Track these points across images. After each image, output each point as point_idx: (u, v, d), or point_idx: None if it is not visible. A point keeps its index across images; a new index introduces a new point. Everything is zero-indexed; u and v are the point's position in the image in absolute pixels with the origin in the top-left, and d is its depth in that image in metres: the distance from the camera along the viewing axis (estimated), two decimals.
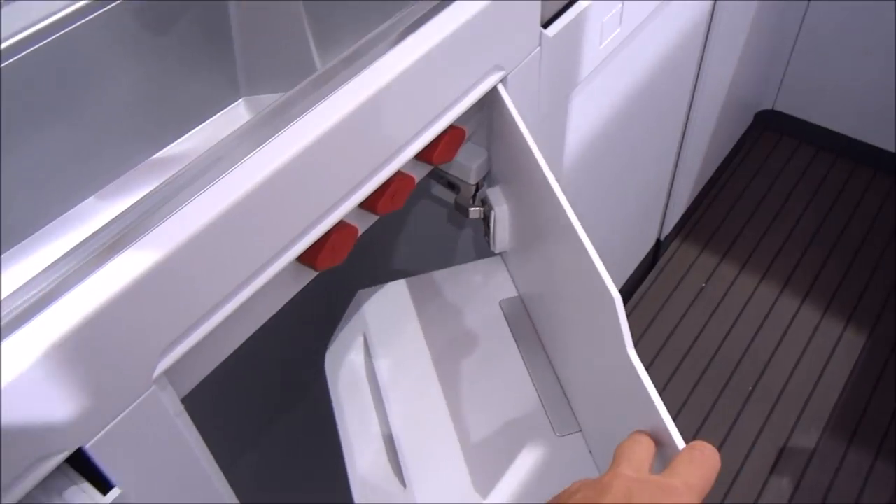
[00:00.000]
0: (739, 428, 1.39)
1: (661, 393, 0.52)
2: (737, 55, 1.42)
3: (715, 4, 1.17)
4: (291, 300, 0.66)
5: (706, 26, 1.20)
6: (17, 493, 0.45)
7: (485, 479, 0.69)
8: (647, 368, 0.53)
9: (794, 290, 1.58)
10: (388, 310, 0.83)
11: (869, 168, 1.78)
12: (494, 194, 0.80)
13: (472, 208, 0.83)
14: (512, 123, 0.72)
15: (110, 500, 0.49)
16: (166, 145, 0.83)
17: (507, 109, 0.72)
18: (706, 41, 1.23)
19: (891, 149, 1.73)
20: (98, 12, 0.71)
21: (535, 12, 0.73)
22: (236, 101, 0.88)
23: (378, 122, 0.60)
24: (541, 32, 0.75)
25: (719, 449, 1.44)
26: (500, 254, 0.87)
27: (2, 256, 0.72)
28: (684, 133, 1.39)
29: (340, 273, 1.03)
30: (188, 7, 0.78)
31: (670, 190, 1.50)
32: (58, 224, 0.75)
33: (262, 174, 0.52)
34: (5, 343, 0.43)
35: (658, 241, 1.61)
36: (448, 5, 0.64)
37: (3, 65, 0.66)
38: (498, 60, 0.71)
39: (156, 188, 0.51)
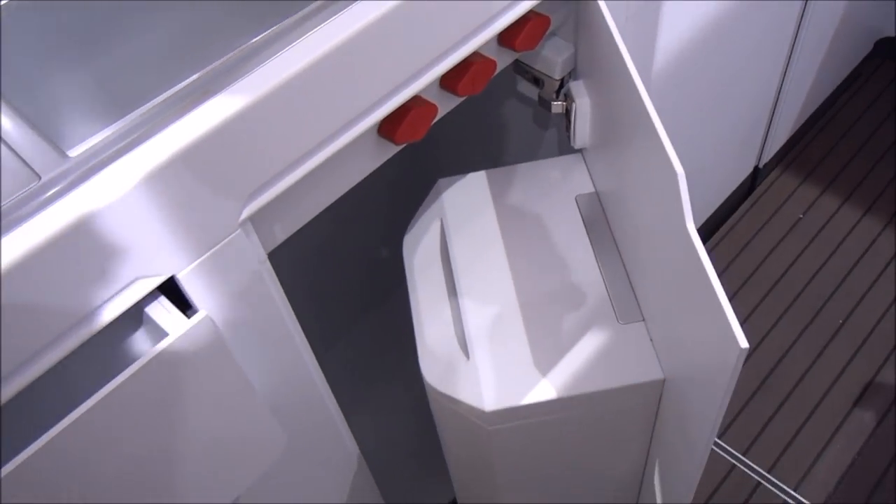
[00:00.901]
0: (825, 360, 1.36)
1: (744, 321, 0.53)
2: None
3: None
4: (377, 189, 0.69)
5: None
6: (117, 307, 0.51)
7: (546, 358, 0.72)
8: (731, 298, 0.54)
9: None
10: (466, 198, 0.86)
11: None
12: (577, 87, 0.81)
13: (555, 102, 0.84)
14: (599, 14, 0.72)
15: (192, 323, 0.54)
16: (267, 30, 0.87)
17: (597, 4, 0.72)
18: None
19: None
20: None
21: None
22: None
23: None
24: None
25: (799, 380, 1.41)
26: (580, 150, 0.88)
27: (110, 127, 0.79)
28: (791, 51, 1.33)
29: (424, 163, 1.06)
30: None
31: (772, 115, 1.45)
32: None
33: (345, 34, 0.55)
34: (110, 167, 0.48)
35: (756, 168, 1.56)
36: None
37: None
38: None
39: (246, 44, 0.54)
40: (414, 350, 0.77)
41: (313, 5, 0.86)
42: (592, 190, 0.85)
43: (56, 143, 0.51)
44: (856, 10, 1.46)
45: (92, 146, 0.50)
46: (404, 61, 0.61)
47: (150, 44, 0.78)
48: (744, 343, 0.49)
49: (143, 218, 0.49)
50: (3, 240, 0.45)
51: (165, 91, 0.81)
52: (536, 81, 0.86)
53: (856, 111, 1.71)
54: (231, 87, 0.52)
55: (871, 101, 1.73)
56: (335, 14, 0.56)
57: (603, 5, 0.71)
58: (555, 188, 0.85)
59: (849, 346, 1.37)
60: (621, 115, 0.72)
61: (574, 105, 0.80)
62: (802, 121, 1.63)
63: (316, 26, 0.55)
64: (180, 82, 0.81)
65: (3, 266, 0.44)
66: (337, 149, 0.60)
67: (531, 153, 1.01)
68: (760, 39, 1.20)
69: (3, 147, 0.51)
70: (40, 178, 0.49)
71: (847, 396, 1.31)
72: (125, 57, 0.77)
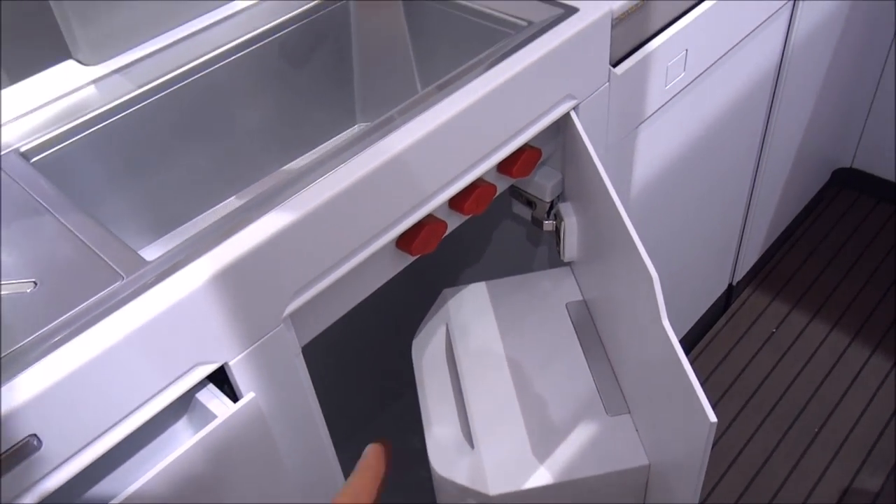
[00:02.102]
0: (803, 467, 1.43)
1: (726, 429, 0.61)
2: (808, 109, 1.51)
3: (783, 57, 1.28)
4: (390, 299, 0.79)
5: (774, 77, 1.30)
6: (175, 391, 0.60)
7: (543, 448, 0.80)
8: (714, 405, 0.63)
9: (866, 340, 1.62)
10: (469, 306, 0.96)
11: None
12: (566, 209, 0.93)
13: (546, 222, 0.96)
14: (582, 147, 0.85)
15: (240, 405, 0.62)
16: (293, 160, 0.99)
17: (578, 133, 0.85)
18: (774, 91, 1.33)
19: None
20: (251, 48, 0.89)
21: (604, 52, 0.86)
22: (352, 126, 1.04)
23: (465, 135, 0.74)
24: (610, 70, 0.88)
25: (781, 486, 1.48)
26: (569, 264, 0.99)
27: (160, 240, 0.90)
28: (755, 181, 1.48)
29: (431, 276, 1.16)
30: (319, 45, 0.95)
31: (742, 236, 1.58)
32: (206, 216, 0.92)
33: (372, 166, 0.66)
34: (180, 273, 0.58)
35: (730, 286, 1.68)
36: (530, 42, 0.78)
37: (171, 89, 0.84)
38: (571, 90, 0.84)
39: (289, 174, 0.66)
40: (422, 442, 0.85)
41: (343, 138, 0.99)
42: (581, 298, 0.95)
43: (136, 252, 0.61)
44: (812, 141, 1.63)
45: (167, 251, 0.60)
46: (421, 186, 0.72)
47: (193, 168, 0.90)
48: (713, 418, 0.58)
49: (207, 313, 0.59)
50: (97, 328, 0.54)
51: (209, 209, 0.92)
52: (529, 203, 0.98)
53: (820, 233, 1.86)
54: (280, 207, 0.63)
55: (832, 224, 1.88)
56: (365, 147, 0.68)
57: (585, 139, 0.84)
58: (547, 297, 0.95)
59: (826, 453, 1.45)
60: (604, 232, 0.83)
61: (563, 224, 0.92)
62: (771, 241, 1.76)
63: (350, 157, 0.67)
64: (221, 202, 0.93)
65: (94, 354, 0.53)
66: (363, 258, 0.70)
67: (525, 265, 1.12)
68: (727, 167, 1.34)
69: (92, 251, 0.61)
70: (124, 277, 0.58)
71: (826, 502, 1.38)
72: (172, 179, 0.88)
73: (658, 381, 0.71)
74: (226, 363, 0.63)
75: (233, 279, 0.59)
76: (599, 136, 0.93)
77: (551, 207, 0.97)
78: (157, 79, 0.82)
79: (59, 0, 0.80)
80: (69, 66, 0.84)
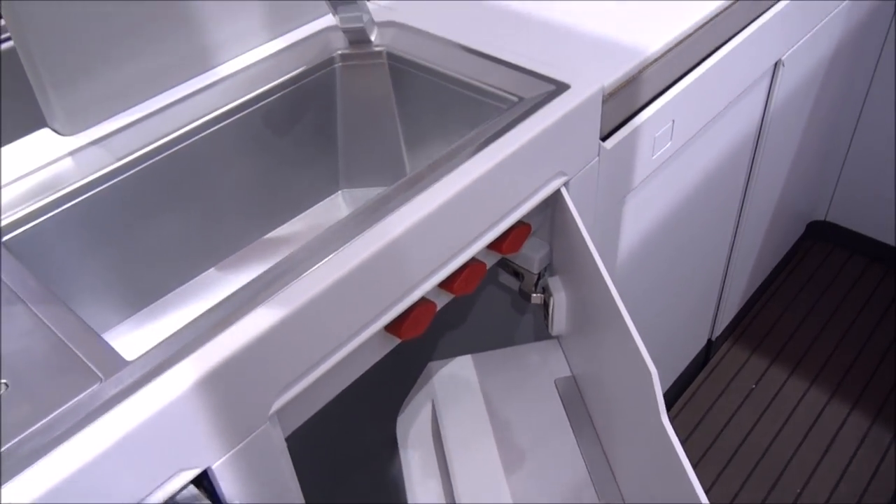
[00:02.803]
0: None
1: (708, 491, 0.60)
2: (787, 166, 1.52)
3: (763, 119, 1.28)
4: (372, 373, 0.77)
5: (755, 139, 1.31)
6: (157, 497, 0.57)
7: None
8: (695, 466, 0.62)
9: (844, 397, 1.62)
10: (455, 381, 0.93)
11: None
12: (554, 283, 0.91)
13: (534, 294, 0.94)
14: (572, 222, 0.83)
15: None
16: (275, 228, 0.97)
17: (569, 209, 0.84)
18: (755, 152, 1.34)
19: None
20: (234, 117, 0.86)
21: (595, 127, 0.85)
22: (335, 192, 1.02)
23: (458, 217, 0.72)
24: (599, 145, 0.87)
25: None
26: (556, 337, 0.97)
27: (137, 314, 0.86)
28: (734, 238, 1.48)
29: (415, 347, 1.14)
30: (304, 112, 0.93)
31: (721, 292, 1.58)
32: (186, 288, 0.89)
33: (365, 254, 0.64)
34: (162, 377, 0.55)
35: (709, 341, 1.68)
36: (523, 120, 0.77)
37: (151, 161, 0.81)
38: (562, 167, 0.83)
39: (278, 263, 0.63)
40: None
41: (326, 205, 0.97)
42: (569, 374, 0.93)
43: (115, 350, 0.58)
44: (789, 195, 1.64)
45: (148, 352, 0.57)
46: (414, 271, 0.70)
47: (172, 240, 0.87)
48: None
49: (191, 417, 0.56)
50: (74, 440, 0.51)
51: (189, 280, 0.89)
52: (517, 274, 0.96)
53: (795, 288, 1.87)
54: (269, 301, 0.60)
55: (807, 278, 1.89)
56: (357, 234, 0.66)
57: (576, 215, 0.83)
58: (535, 372, 0.93)
59: None
60: (594, 310, 0.81)
61: (552, 299, 0.90)
62: (749, 295, 1.77)
63: (341, 245, 0.65)
64: (201, 273, 0.89)
65: (71, 470, 0.49)
66: (353, 348, 0.68)
67: (510, 333, 1.10)
68: (709, 225, 1.34)
69: (68, 347, 0.58)
70: (102, 379, 0.55)
71: None
72: (150, 252, 0.85)
73: (656, 477, 0.69)
74: (209, 467, 0.59)
75: (219, 381, 0.56)
76: (588, 208, 0.92)
77: (539, 278, 0.95)
78: (136, 151, 0.80)
79: (33, 67, 0.77)
80: (45, 135, 0.81)
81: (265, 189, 0.94)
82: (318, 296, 0.61)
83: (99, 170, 0.77)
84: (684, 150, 1.07)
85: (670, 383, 1.60)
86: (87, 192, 0.77)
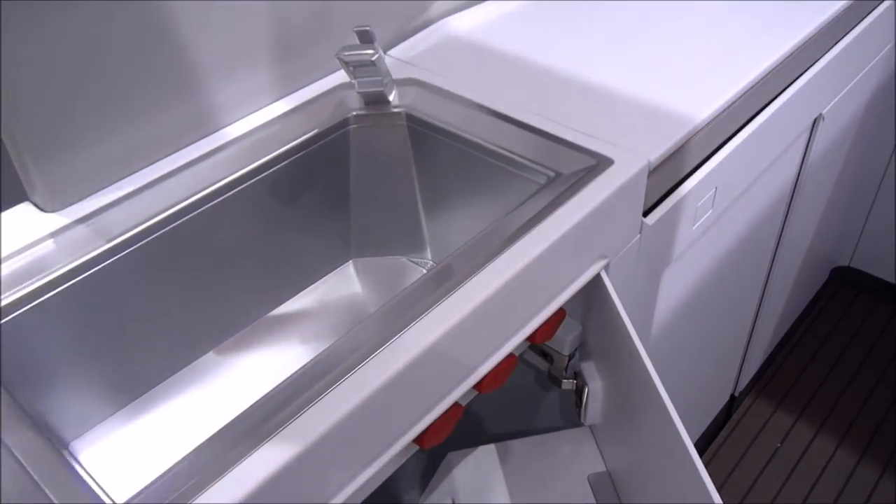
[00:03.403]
0: None
1: None
2: (819, 215, 1.45)
3: (800, 172, 1.21)
4: None
5: (791, 192, 1.23)
6: None
7: None
8: None
9: (874, 457, 1.54)
10: (477, 475, 0.85)
11: None
12: (589, 370, 0.83)
13: (565, 380, 0.86)
14: (611, 306, 0.75)
15: None
16: (281, 304, 0.88)
17: (608, 293, 0.76)
18: (790, 205, 1.26)
19: None
20: (239, 188, 0.78)
21: (639, 205, 0.77)
22: (346, 262, 0.94)
23: (494, 316, 0.64)
24: (641, 222, 0.79)
25: None
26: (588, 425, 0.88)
27: (132, 404, 0.77)
28: (764, 290, 1.40)
29: None
30: (314, 178, 0.85)
31: (747, 346, 1.50)
32: (182, 374, 0.80)
33: (390, 372, 0.56)
34: None
35: (732, 396, 1.59)
36: (565, 202, 0.68)
37: (144, 241, 0.72)
38: (602, 250, 0.75)
39: (289, 382, 0.55)
40: None
41: (336, 276, 0.88)
42: (604, 468, 0.85)
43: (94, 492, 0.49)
44: (818, 243, 1.56)
45: (137, 494, 0.48)
46: (446, 380, 0.62)
47: (167, 324, 0.78)
48: None
49: None
50: None
51: (186, 366, 0.80)
52: (545, 355, 0.88)
53: (819, 337, 1.79)
54: (287, 431, 0.52)
55: (831, 327, 1.81)
56: (386, 342, 0.57)
57: (616, 301, 0.75)
58: (566, 465, 0.85)
59: None
60: (633, 399, 0.73)
61: (587, 388, 0.82)
62: (772, 348, 1.68)
63: (369, 356, 0.56)
64: (199, 357, 0.81)
65: None
66: (380, 465, 0.59)
67: (534, 415, 1.01)
68: (741, 283, 1.26)
69: (41, 490, 0.49)
70: None
71: None
72: (144, 338, 0.77)
73: None
74: None
75: None
76: (625, 286, 0.84)
77: (570, 359, 0.87)
78: (128, 231, 0.71)
79: (10, 133, 0.68)
80: (25, 210, 0.73)
81: (270, 262, 0.85)
82: (342, 421, 0.53)
83: (86, 252, 0.69)
84: (724, 214, 0.99)
85: (694, 441, 1.51)
86: (72, 279, 0.68)
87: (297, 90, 0.87)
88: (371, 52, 0.73)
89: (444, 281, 0.62)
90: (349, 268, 0.93)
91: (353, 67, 0.77)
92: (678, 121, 0.79)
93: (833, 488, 1.49)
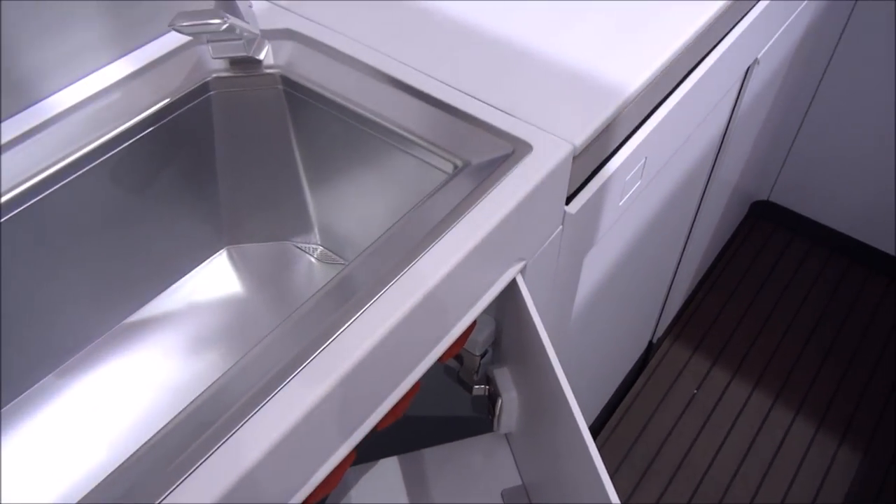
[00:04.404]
0: None
1: None
2: (745, 156, 1.37)
3: (730, 119, 1.11)
4: None
5: (721, 139, 1.14)
6: None
7: None
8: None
9: (788, 400, 1.53)
10: (377, 493, 0.75)
11: (863, 266, 1.74)
12: (502, 377, 0.73)
13: (476, 386, 0.76)
14: (526, 313, 0.64)
15: None
16: (139, 308, 0.74)
17: (523, 300, 0.65)
18: (719, 151, 1.17)
19: (888, 250, 1.70)
20: (72, 176, 0.62)
21: (561, 196, 0.65)
22: (219, 250, 0.79)
23: (401, 343, 0.52)
24: (564, 212, 0.68)
25: None
26: None
27: None
28: (688, 237, 1.33)
29: None
30: (169, 157, 0.70)
31: (668, 293, 1.44)
32: (17, 405, 0.66)
33: (304, 406, 0.44)
34: None
35: (650, 343, 1.54)
36: (476, 203, 0.56)
37: None
38: (521, 253, 0.63)
39: (195, 409, 0.42)
40: None
41: (207, 267, 0.75)
42: (518, 480, 0.76)
43: None
44: (742, 181, 1.50)
45: None
46: (354, 415, 0.50)
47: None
48: None
49: None
50: None
51: (16, 397, 0.66)
52: (455, 356, 0.77)
53: (736, 276, 1.75)
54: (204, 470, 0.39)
55: (749, 263, 1.77)
56: (293, 372, 0.45)
57: (531, 307, 0.64)
58: (477, 478, 0.76)
59: None
60: (545, 411, 0.64)
61: (501, 399, 0.72)
62: (691, 290, 1.63)
63: (273, 392, 0.44)
64: (32, 385, 0.67)
65: None
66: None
67: (442, 408, 0.91)
68: (666, 234, 1.17)
69: None
70: None
71: None
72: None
73: None
74: None
75: None
76: (544, 282, 0.73)
77: (481, 358, 0.77)
78: None
79: None
80: None
81: (121, 259, 0.70)
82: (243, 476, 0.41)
83: None
84: (652, 180, 0.88)
85: (609, 395, 1.46)
86: None
87: (138, 47, 0.70)
88: (218, 21, 0.56)
89: (343, 299, 0.50)
90: (223, 257, 0.79)
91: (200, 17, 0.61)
92: (606, 92, 0.67)
93: (748, 433, 1.48)
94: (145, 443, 0.42)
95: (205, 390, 0.45)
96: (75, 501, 0.40)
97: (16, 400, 0.67)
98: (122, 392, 0.69)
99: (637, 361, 1.53)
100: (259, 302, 0.76)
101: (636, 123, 0.74)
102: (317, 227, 0.80)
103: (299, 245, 0.80)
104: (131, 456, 0.42)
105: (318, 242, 0.81)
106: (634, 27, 0.74)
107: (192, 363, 0.72)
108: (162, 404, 0.70)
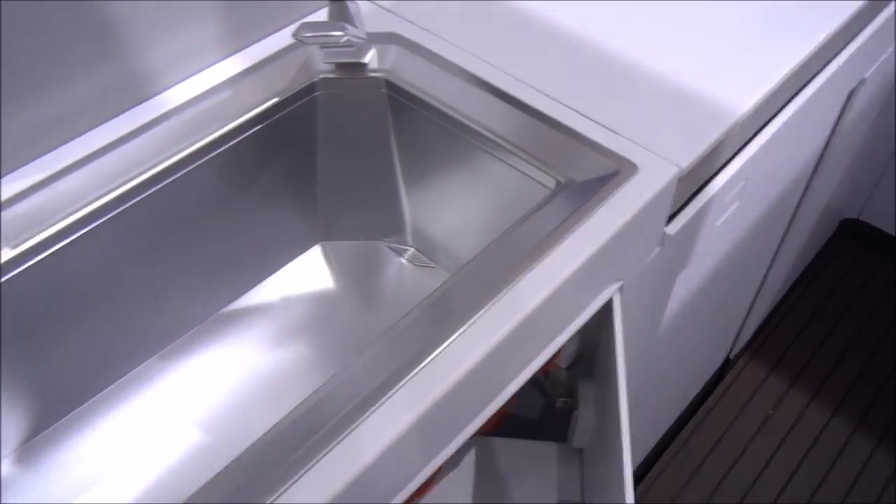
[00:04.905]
0: None
1: None
2: (840, 175, 1.32)
3: (830, 138, 1.07)
4: None
5: (818, 158, 1.10)
6: None
7: None
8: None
9: (870, 429, 1.47)
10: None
11: None
12: (586, 392, 0.73)
13: (560, 399, 0.75)
14: (612, 333, 0.64)
15: None
16: (237, 298, 0.76)
17: (613, 321, 0.64)
18: (815, 170, 1.13)
19: None
20: (182, 172, 0.64)
21: (662, 217, 0.64)
22: (313, 246, 0.81)
23: (496, 366, 0.52)
24: (664, 232, 0.67)
25: None
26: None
27: (67, 418, 0.67)
28: (776, 253, 1.29)
29: None
30: (274, 154, 0.71)
31: (751, 307, 1.41)
32: (116, 387, 0.69)
33: (401, 425, 0.45)
34: None
35: (727, 359, 1.51)
36: (580, 223, 0.56)
37: (71, 239, 0.59)
38: (619, 273, 0.63)
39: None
40: None
41: (301, 263, 0.76)
42: (579, 497, 0.75)
43: None
44: (835, 199, 1.45)
45: None
46: (448, 433, 0.51)
47: (97, 334, 0.66)
48: None
49: None
50: None
51: (122, 377, 0.69)
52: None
53: (820, 294, 1.69)
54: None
55: (835, 282, 1.71)
56: (388, 394, 0.46)
57: (618, 331, 0.63)
58: (540, 484, 0.75)
59: None
60: (606, 433, 0.64)
61: (576, 414, 0.72)
62: (772, 307, 1.59)
63: (369, 411, 0.45)
64: (138, 366, 0.70)
65: None
66: None
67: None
68: (755, 250, 1.14)
69: None
70: None
71: None
72: (71, 341, 0.65)
73: None
74: None
75: None
76: (635, 301, 0.72)
77: (568, 369, 0.77)
78: (42, 230, 0.58)
79: None
80: None
81: (222, 251, 0.73)
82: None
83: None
84: (750, 200, 0.86)
85: (682, 408, 1.44)
86: None
87: (249, 45, 0.71)
88: (339, 33, 0.57)
89: (441, 317, 0.50)
90: (316, 253, 0.81)
91: (318, 30, 0.62)
92: (714, 113, 0.65)
93: (825, 460, 1.44)
94: (252, 445, 0.44)
95: (308, 398, 0.46)
96: (183, 501, 0.42)
97: (122, 378, 0.70)
98: (216, 377, 0.71)
99: (713, 376, 1.50)
100: (348, 299, 0.78)
101: (740, 145, 0.73)
102: (410, 228, 0.80)
103: (391, 245, 0.81)
104: (239, 457, 0.43)
105: (410, 244, 0.82)
106: (744, 47, 0.72)
107: (280, 354, 0.74)
108: (251, 391, 0.72)
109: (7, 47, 0.55)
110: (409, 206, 0.79)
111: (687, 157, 0.61)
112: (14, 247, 0.57)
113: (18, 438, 0.66)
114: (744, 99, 0.67)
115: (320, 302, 0.77)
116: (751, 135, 0.74)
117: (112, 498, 0.65)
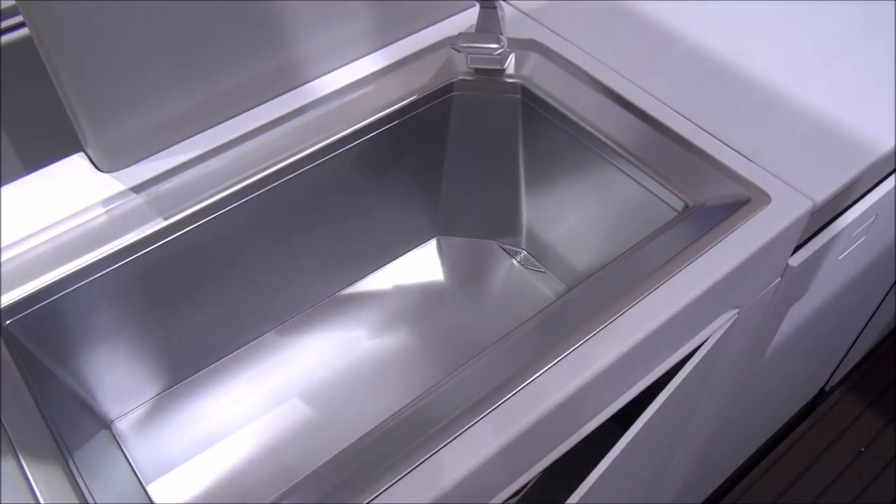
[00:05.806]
0: None
1: None
2: None
3: None
4: None
5: None
6: None
7: None
8: None
9: None
10: None
11: None
12: None
13: None
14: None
15: None
16: (354, 282, 0.79)
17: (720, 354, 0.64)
18: None
19: None
20: (321, 160, 0.68)
21: (788, 249, 0.64)
22: (430, 239, 0.84)
23: (605, 383, 0.53)
24: (787, 264, 0.66)
25: None
26: None
27: (189, 380, 0.72)
28: (890, 289, 1.25)
29: None
30: (406, 148, 0.74)
31: (856, 339, 1.36)
32: (238, 354, 0.73)
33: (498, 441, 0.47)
34: None
35: (822, 389, 1.47)
36: (707, 249, 0.56)
37: (208, 218, 0.63)
38: (737, 301, 0.63)
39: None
40: None
41: (419, 253, 0.78)
42: None
43: None
44: None
45: None
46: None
47: (224, 305, 0.71)
48: None
49: None
50: None
51: (243, 346, 0.73)
52: None
53: None
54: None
55: None
56: (502, 399, 0.48)
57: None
58: None
59: None
60: None
61: None
62: (877, 340, 1.54)
63: (482, 414, 0.47)
64: (257, 337, 0.74)
65: None
66: None
67: None
68: (871, 285, 1.11)
69: None
70: None
71: None
72: (198, 311, 0.69)
73: None
74: None
75: None
76: (748, 329, 0.71)
77: None
78: (192, 206, 0.62)
79: (61, 85, 0.58)
80: (77, 166, 0.64)
81: (347, 235, 0.76)
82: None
83: (144, 229, 0.60)
84: (876, 235, 0.84)
85: (771, 433, 1.41)
86: (129, 256, 0.60)
87: (396, 41, 0.74)
88: (495, 45, 0.59)
89: (555, 335, 0.52)
90: (432, 246, 0.83)
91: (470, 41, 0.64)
92: (854, 148, 0.64)
93: None
94: (360, 438, 0.46)
95: (409, 403, 0.48)
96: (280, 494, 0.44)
97: (242, 348, 0.74)
98: (326, 355, 0.75)
99: (803, 406, 1.46)
100: (457, 294, 0.80)
101: (875, 181, 0.71)
102: (525, 232, 0.82)
103: (504, 246, 0.83)
104: (334, 457, 0.46)
105: (523, 247, 0.83)
106: (889, 77, 0.70)
107: (387, 340, 0.77)
108: (357, 371, 0.75)
109: (187, 33, 0.59)
110: (528, 209, 0.80)
111: (823, 191, 0.61)
112: (166, 218, 0.61)
113: (149, 393, 0.71)
114: (887, 135, 0.65)
115: (431, 294, 0.80)
116: (887, 171, 0.72)
117: (225, 457, 0.69)
